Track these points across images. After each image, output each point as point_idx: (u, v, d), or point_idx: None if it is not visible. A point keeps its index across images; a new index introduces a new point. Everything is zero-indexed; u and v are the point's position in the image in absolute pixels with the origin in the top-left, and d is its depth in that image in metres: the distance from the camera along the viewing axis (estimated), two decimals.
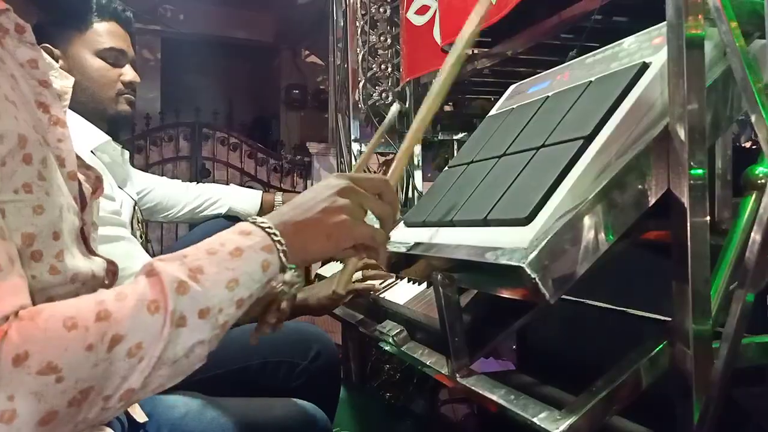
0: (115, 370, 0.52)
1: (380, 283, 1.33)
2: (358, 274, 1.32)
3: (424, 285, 1.22)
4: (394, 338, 1.10)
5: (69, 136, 0.68)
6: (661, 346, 0.69)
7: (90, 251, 0.72)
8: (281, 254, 0.64)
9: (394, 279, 1.34)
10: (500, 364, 1.84)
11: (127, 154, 1.49)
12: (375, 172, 2.24)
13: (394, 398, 2.04)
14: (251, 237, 0.63)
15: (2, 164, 0.56)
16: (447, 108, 2.23)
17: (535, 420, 0.70)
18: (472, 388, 0.85)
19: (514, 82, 1.13)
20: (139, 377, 0.54)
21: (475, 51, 1.61)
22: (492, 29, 1.33)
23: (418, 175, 2.10)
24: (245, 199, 1.80)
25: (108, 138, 1.38)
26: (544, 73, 1.03)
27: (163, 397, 0.95)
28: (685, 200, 0.67)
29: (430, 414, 2.00)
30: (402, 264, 1.02)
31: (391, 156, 2.24)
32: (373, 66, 2.08)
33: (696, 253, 0.66)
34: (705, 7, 0.69)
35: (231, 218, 1.74)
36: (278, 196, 1.83)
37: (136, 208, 1.49)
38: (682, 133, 0.67)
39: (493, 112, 1.10)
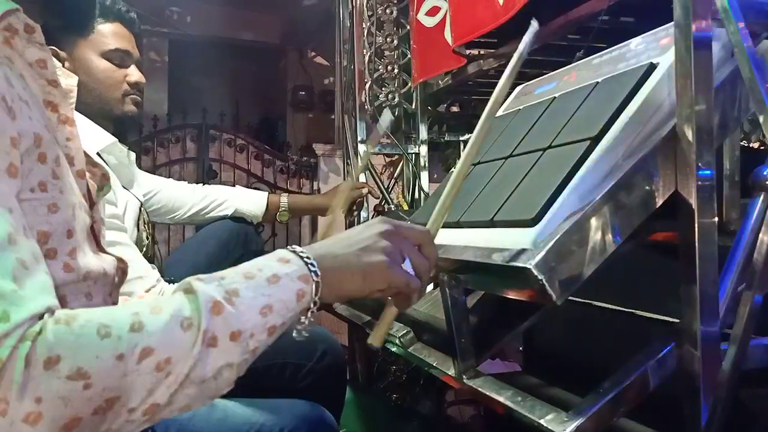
0: (143, 382, 0.52)
1: None
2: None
3: (431, 286, 1.22)
4: (401, 339, 1.10)
5: (77, 135, 0.69)
6: (668, 347, 0.69)
7: (100, 249, 0.72)
8: (314, 285, 0.63)
9: None
10: (507, 365, 1.83)
11: (133, 155, 1.49)
12: (381, 173, 2.24)
13: (401, 399, 2.04)
14: (289, 265, 0.63)
15: (20, 163, 0.56)
16: (453, 109, 2.23)
17: (542, 422, 0.70)
18: (479, 389, 0.85)
19: (521, 83, 1.13)
20: (165, 392, 0.53)
21: (482, 51, 1.60)
22: (498, 30, 1.33)
23: (424, 176, 2.09)
24: (251, 200, 1.80)
25: (114, 139, 1.38)
26: (551, 73, 1.03)
27: None
28: (693, 201, 0.66)
29: (437, 415, 1.99)
30: None
31: (396, 157, 2.25)
32: (380, 67, 2.08)
33: (704, 255, 0.66)
34: (713, 8, 0.69)
35: (237, 220, 1.74)
36: (284, 198, 1.83)
37: (143, 209, 1.49)
38: (689, 133, 0.67)
39: (499, 113, 1.10)
